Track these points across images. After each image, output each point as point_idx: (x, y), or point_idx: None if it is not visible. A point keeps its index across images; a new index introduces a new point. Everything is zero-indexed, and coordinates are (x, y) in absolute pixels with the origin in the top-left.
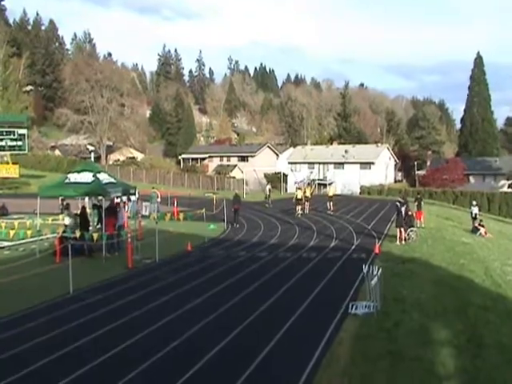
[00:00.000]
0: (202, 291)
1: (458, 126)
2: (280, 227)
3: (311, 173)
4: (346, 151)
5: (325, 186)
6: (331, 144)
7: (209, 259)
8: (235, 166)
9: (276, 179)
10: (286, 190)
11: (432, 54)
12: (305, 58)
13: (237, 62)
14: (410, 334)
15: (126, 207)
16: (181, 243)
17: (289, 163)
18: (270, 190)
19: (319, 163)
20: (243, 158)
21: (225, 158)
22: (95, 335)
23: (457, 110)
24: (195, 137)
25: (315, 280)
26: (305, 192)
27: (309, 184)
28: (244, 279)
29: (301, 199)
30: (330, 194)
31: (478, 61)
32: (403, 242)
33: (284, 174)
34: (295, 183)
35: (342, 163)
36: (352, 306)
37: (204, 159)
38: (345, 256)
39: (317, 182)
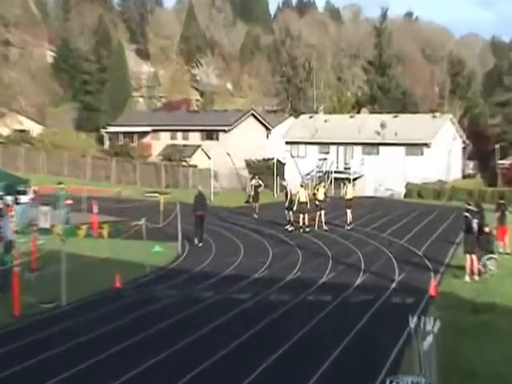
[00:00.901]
0: (131, 364)
1: None
2: (271, 250)
3: (324, 160)
4: (382, 125)
5: (346, 182)
6: (358, 113)
7: (150, 304)
8: (197, 147)
9: (265, 170)
10: (284, 188)
11: None
12: None
13: None
14: None
15: (13, 214)
16: (104, 276)
17: (287, 143)
18: (255, 187)
19: (338, 144)
20: (211, 135)
21: (179, 134)
22: None
23: None
24: (130, 98)
25: (330, 341)
26: (314, 193)
27: (320, 180)
28: (208, 341)
29: (305, 203)
30: (348, 196)
31: None
32: (476, 276)
33: (279, 162)
34: (301, 178)
35: (376, 145)
36: None
37: (145, 135)
38: (379, 301)
39: (333, 175)
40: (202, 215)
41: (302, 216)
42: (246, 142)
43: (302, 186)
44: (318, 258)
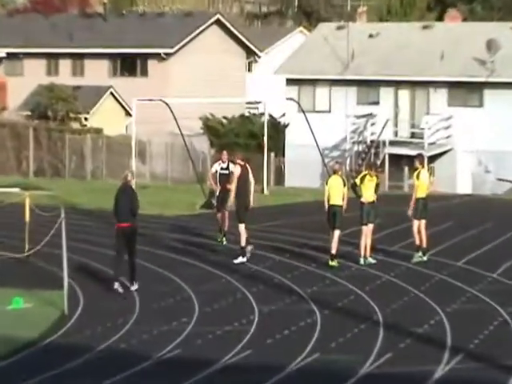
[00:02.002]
0: None
1: None
2: (257, 312)
3: (370, 118)
4: (490, 45)
5: (416, 163)
6: (439, 19)
7: None
8: (105, 90)
9: (247, 138)
10: (283, 179)
11: None
12: None
13: None
14: None
15: None
16: None
17: (290, 83)
18: (221, 176)
19: (397, 85)
20: (131, 66)
21: (65, 65)
22: None
23: None
24: None
25: None
26: (354, 185)
27: (365, 162)
28: None
29: (339, 208)
30: (420, 192)
31: None
32: None
33: (274, 122)
34: (320, 157)
35: (478, 87)
36: None
37: None
38: None
39: (386, 150)
40: (129, 228)
41: (335, 233)
42: (204, 79)
43: (335, 171)
44: (353, 322)
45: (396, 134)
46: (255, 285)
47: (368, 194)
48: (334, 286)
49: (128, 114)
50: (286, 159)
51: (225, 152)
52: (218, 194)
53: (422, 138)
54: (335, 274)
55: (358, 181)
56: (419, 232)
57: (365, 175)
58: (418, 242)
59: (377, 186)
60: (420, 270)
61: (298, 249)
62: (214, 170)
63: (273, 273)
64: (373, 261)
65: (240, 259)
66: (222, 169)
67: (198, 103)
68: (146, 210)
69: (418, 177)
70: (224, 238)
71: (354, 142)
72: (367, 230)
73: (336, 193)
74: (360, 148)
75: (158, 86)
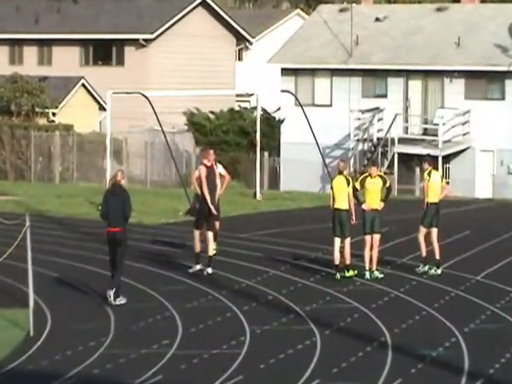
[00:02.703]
0: None
1: None
2: (249, 333)
3: (377, 113)
4: None
5: (426, 164)
6: (456, 0)
7: None
8: (79, 80)
9: (236, 135)
10: (278, 182)
11: None
12: None
13: None
14: None
15: None
16: None
17: (286, 73)
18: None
19: (407, 75)
20: (106, 53)
21: (30, 53)
22: None
23: None
24: None
25: None
26: (355, 188)
27: (371, 162)
28: None
29: (345, 212)
30: (432, 196)
31: None
32: None
33: (268, 117)
34: (321, 156)
35: (501, 77)
36: None
37: None
38: None
39: (395, 149)
40: (120, 234)
41: (346, 242)
42: (188, 69)
43: (340, 171)
44: (358, 344)
45: (406, 130)
46: (246, 302)
47: (371, 200)
48: (335, 303)
49: (102, 108)
50: (282, 159)
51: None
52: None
53: (435, 135)
54: (337, 289)
55: (357, 185)
56: (427, 241)
57: (365, 177)
58: (424, 254)
59: (388, 190)
60: (433, 285)
61: (295, 261)
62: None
63: (266, 288)
64: (380, 275)
65: (196, 267)
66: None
67: (182, 96)
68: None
69: (429, 176)
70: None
71: (358, 140)
72: (371, 240)
73: (341, 196)
74: (365, 147)
75: (136, 76)
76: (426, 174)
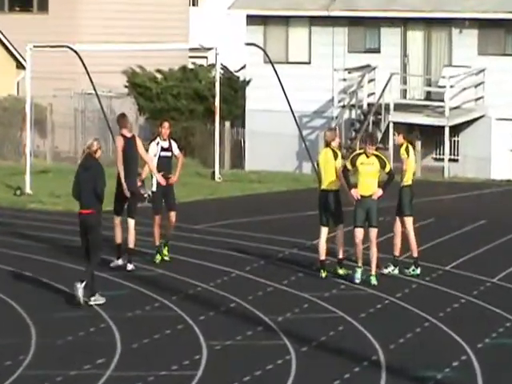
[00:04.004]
0: None
1: None
2: (206, 350)
3: (367, 72)
4: None
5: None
6: None
7: None
8: None
9: (191, 102)
10: (243, 160)
11: None
12: None
13: None
14: None
15: None
16: None
17: (252, 22)
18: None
19: (403, 24)
20: None
21: None
22: None
23: None
24: None
25: None
26: (345, 167)
27: (368, 136)
28: None
29: (334, 192)
30: (407, 179)
31: None
32: None
33: (230, 76)
34: (297, 125)
35: None
36: None
37: None
38: None
39: (389, 117)
40: (91, 216)
41: (338, 230)
42: (129, 17)
43: (328, 143)
44: (343, 364)
45: (404, 94)
46: (203, 311)
47: (365, 184)
48: (315, 312)
49: (20, 65)
50: (247, 131)
51: (166, 124)
52: (156, 187)
53: (441, 100)
54: (317, 295)
55: (348, 163)
56: (402, 234)
57: (358, 154)
58: (397, 252)
59: (389, 176)
60: (438, 289)
61: (264, 259)
62: (152, 152)
63: (228, 294)
64: (375, 281)
65: (118, 262)
66: (162, 149)
67: (121, 51)
68: (46, 205)
69: (407, 153)
70: (161, 253)
71: (343, 107)
72: (361, 234)
73: (329, 174)
74: (353, 115)
75: (64, 26)
76: (402, 149)
